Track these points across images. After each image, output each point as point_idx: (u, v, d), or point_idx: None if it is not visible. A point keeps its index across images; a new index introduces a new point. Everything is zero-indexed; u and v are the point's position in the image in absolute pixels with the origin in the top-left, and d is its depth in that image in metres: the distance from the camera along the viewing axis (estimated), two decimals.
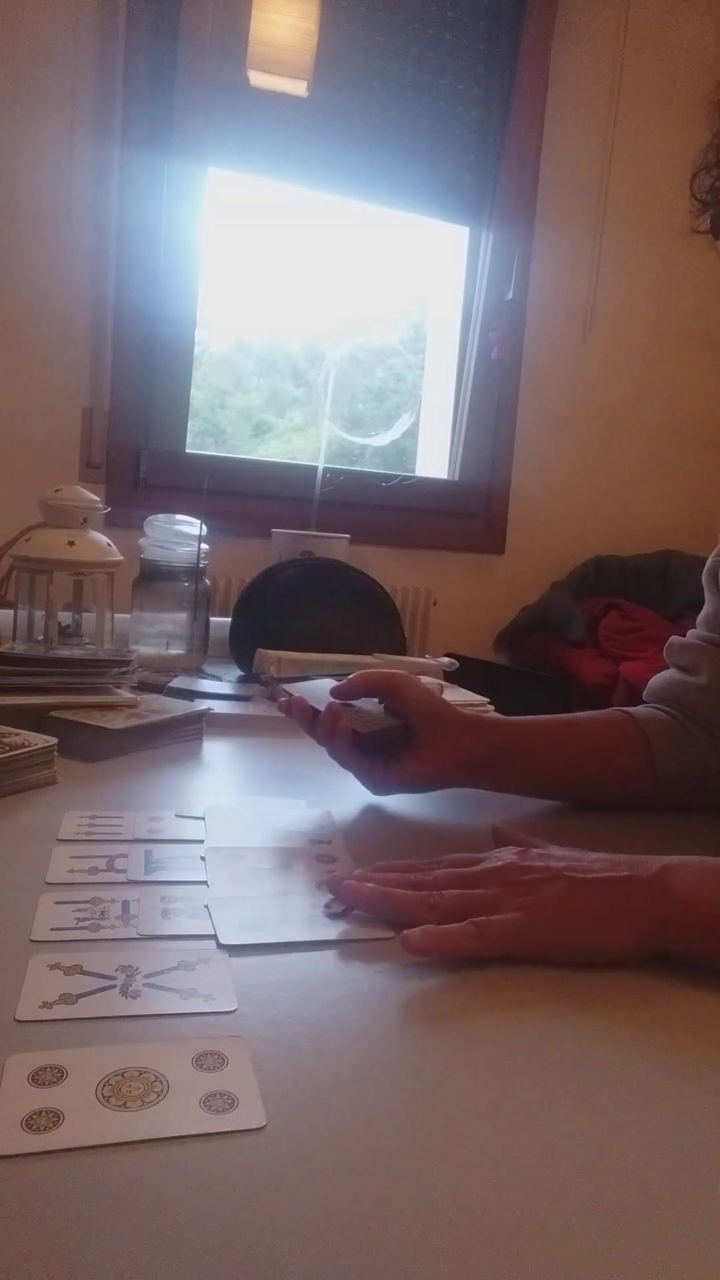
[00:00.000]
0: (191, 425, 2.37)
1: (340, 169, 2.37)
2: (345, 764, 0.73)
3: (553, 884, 0.50)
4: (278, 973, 0.46)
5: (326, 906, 0.53)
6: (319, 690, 0.76)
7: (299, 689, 0.77)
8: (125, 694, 0.94)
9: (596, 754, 0.77)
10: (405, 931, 0.47)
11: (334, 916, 0.52)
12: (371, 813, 0.73)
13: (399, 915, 0.50)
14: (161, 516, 1.26)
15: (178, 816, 0.67)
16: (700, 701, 0.80)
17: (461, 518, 2.66)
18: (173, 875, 0.57)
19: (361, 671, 0.74)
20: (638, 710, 0.81)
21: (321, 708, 0.72)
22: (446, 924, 0.48)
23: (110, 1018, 0.41)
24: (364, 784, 0.74)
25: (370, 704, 0.74)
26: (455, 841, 0.69)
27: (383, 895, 0.51)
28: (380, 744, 0.72)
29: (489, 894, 0.50)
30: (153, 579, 1.22)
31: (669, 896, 0.49)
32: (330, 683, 0.75)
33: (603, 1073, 0.40)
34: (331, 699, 0.73)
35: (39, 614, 1.11)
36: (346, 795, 0.74)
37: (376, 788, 0.74)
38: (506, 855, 0.54)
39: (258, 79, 2.23)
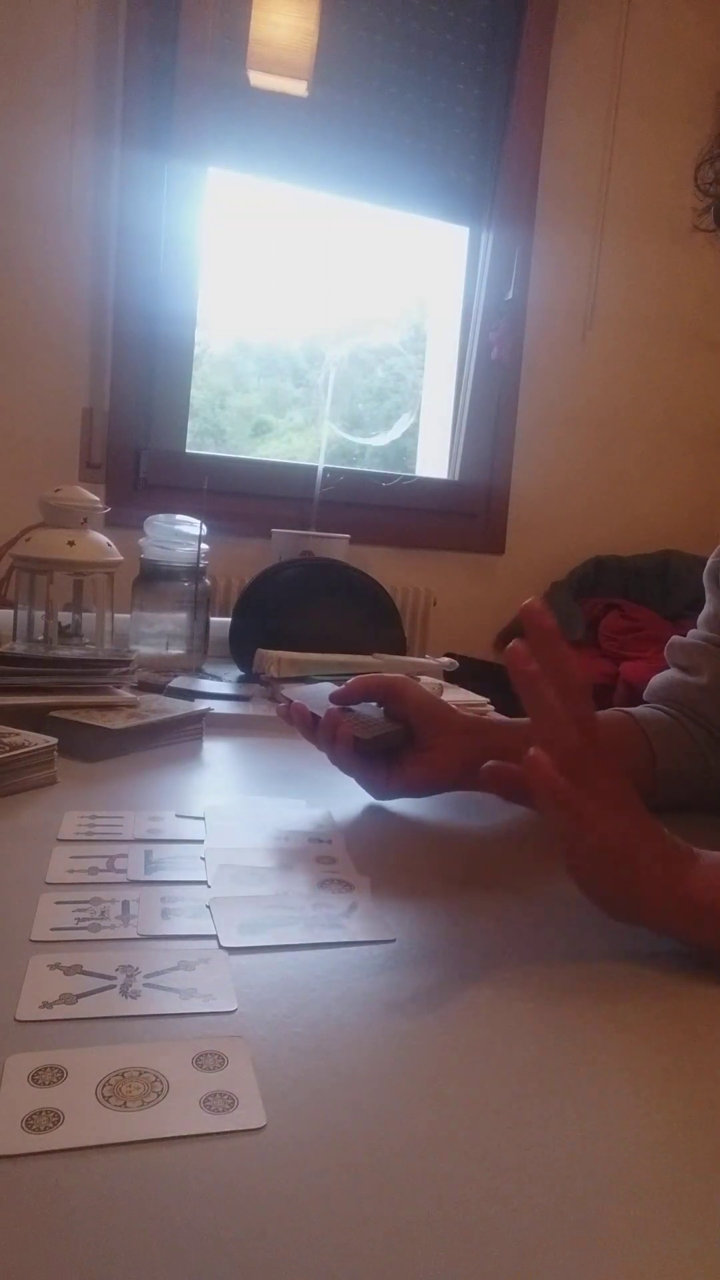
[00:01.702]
0: (191, 425, 2.37)
1: (340, 169, 2.37)
2: (347, 770, 0.73)
3: (624, 810, 0.51)
4: (278, 973, 0.46)
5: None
6: (319, 695, 0.75)
7: (298, 694, 0.77)
8: (125, 694, 0.94)
9: None
10: (535, 753, 0.47)
11: (341, 926, 0.52)
12: (372, 813, 0.73)
13: (536, 710, 0.50)
14: (161, 516, 1.26)
15: (178, 816, 0.67)
16: (701, 702, 0.80)
17: (461, 518, 2.66)
18: (173, 875, 0.56)
19: (360, 676, 0.74)
20: (638, 710, 0.81)
21: (321, 713, 0.72)
22: (554, 750, 0.48)
23: (110, 1018, 0.40)
24: (366, 789, 0.74)
25: (370, 709, 0.74)
26: (457, 843, 0.69)
27: (540, 684, 0.50)
28: (381, 749, 0.72)
29: (594, 763, 0.50)
30: (153, 579, 1.22)
31: (695, 880, 0.50)
32: (330, 687, 0.75)
33: (604, 1072, 0.40)
34: (331, 705, 0.73)
35: (39, 614, 1.11)
36: (347, 796, 0.74)
37: (379, 793, 0.74)
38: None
39: (258, 79, 2.23)
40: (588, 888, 0.51)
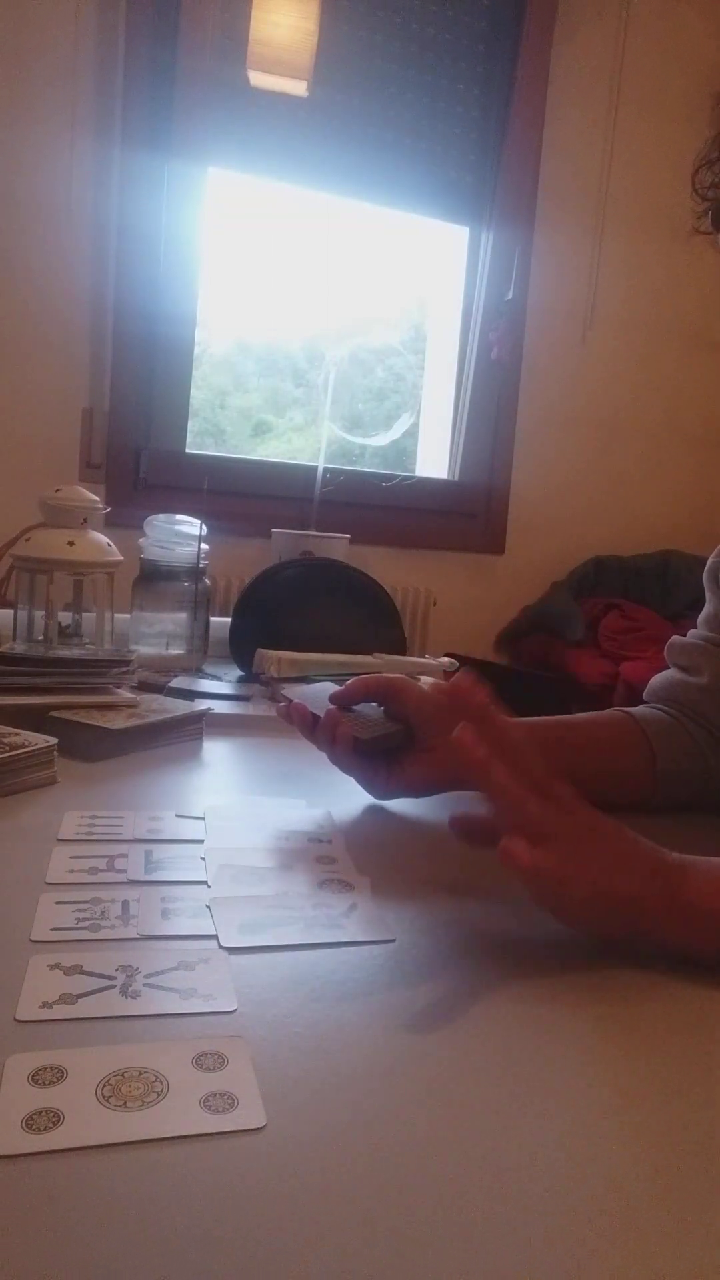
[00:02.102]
0: (191, 425, 2.37)
1: (340, 169, 2.37)
2: (347, 770, 0.73)
3: (604, 844, 0.51)
4: (278, 973, 0.46)
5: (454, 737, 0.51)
6: (319, 695, 0.75)
7: (298, 694, 0.77)
8: (125, 694, 0.94)
9: (597, 754, 0.77)
10: (509, 842, 0.47)
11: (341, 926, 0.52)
12: (372, 813, 0.73)
13: (494, 793, 0.50)
14: (161, 516, 1.26)
15: (178, 816, 0.67)
16: (701, 702, 0.80)
17: (461, 518, 2.66)
18: (173, 875, 0.57)
19: (360, 676, 0.74)
20: (638, 710, 0.81)
21: (321, 713, 0.72)
22: (524, 828, 0.48)
23: (110, 1018, 0.41)
24: (366, 789, 0.74)
25: (370, 709, 0.74)
26: (457, 843, 0.68)
27: (491, 766, 0.50)
28: (381, 750, 0.72)
29: (564, 821, 0.50)
30: (153, 579, 1.22)
31: (684, 890, 0.50)
32: (330, 687, 0.75)
33: (604, 1072, 0.40)
34: (331, 705, 0.73)
35: (39, 614, 1.11)
36: (347, 796, 0.74)
37: (379, 793, 0.74)
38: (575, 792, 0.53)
39: (258, 79, 2.23)
40: (589, 930, 0.51)
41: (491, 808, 0.51)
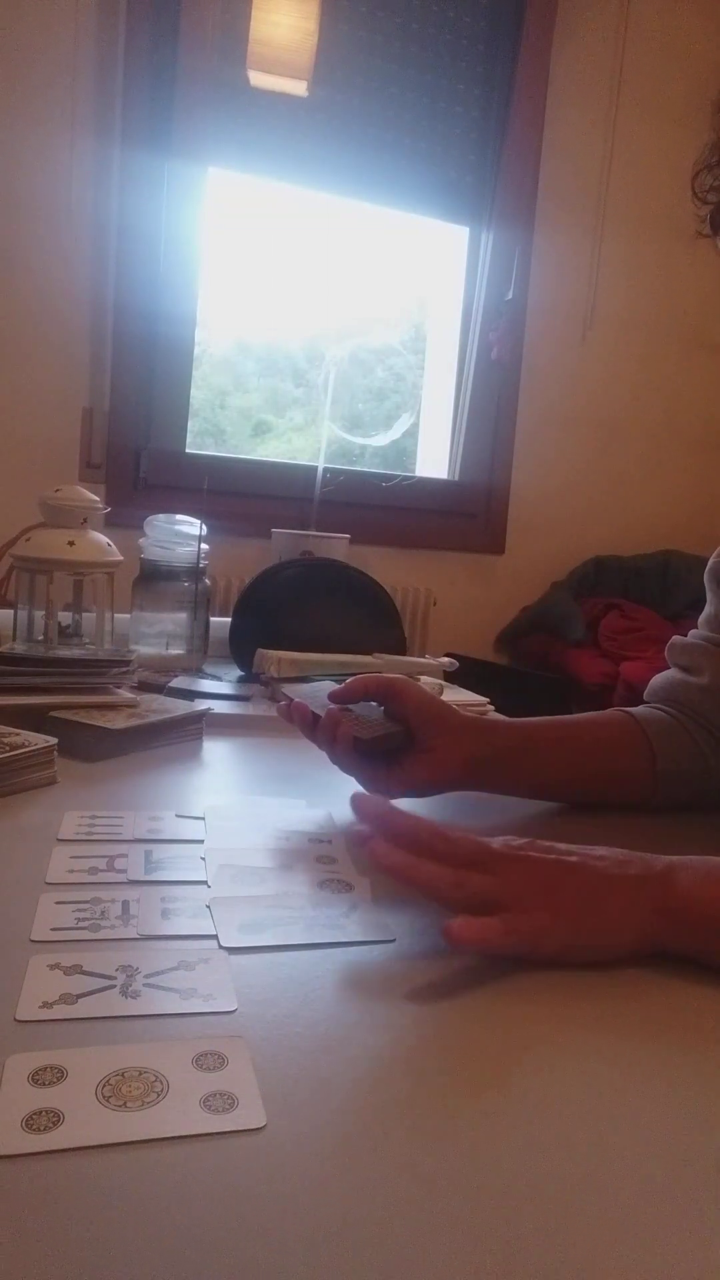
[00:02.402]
0: (191, 425, 2.37)
1: (340, 169, 2.37)
2: (347, 769, 0.73)
3: (569, 878, 0.50)
4: (278, 973, 0.46)
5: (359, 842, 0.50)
6: (319, 694, 0.75)
7: (299, 693, 0.77)
8: (125, 694, 0.94)
9: (598, 755, 0.77)
10: (448, 923, 0.46)
11: (339, 926, 0.52)
12: None
13: (425, 890, 0.49)
14: (161, 516, 1.26)
15: (178, 816, 0.67)
16: (701, 702, 0.80)
17: (461, 518, 2.66)
18: (173, 875, 0.56)
19: (360, 676, 0.74)
20: (639, 710, 0.81)
21: (322, 713, 0.72)
22: (473, 909, 0.48)
23: (110, 1018, 0.40)
24: (366, 789, 0.74)
25: (370, 709, 0.74)
26: None
27: (412, 866, 0.50)
28: (381, 750, 0.72)
29: (509, 883, 0.50)
30: (153, 579, 1.22)
31: (675, 894, 0.50)
32: (330, 686, 0.75)
33: (604, 1072, 0.40)
34: (330, 704, 0.73)
35: (39, 614, 1.11)
36: (347, 796, 0.74)
37: (380, 792, 0.74)
38: (516, 843, 0.53)
39: (258, 79, 2.23)
40: (598, 960, 0.50)
41: (441, 901, 0.50)
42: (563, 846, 0.54)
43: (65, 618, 1.16)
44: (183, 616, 1.21)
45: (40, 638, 1.11)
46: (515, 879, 0.50)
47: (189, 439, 2.36)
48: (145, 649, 1.20)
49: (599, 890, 0.50)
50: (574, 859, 0.52)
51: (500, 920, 0.47)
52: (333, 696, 0.73)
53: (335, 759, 0.73)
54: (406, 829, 0.53)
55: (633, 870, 0.51)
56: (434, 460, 2.70)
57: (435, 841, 0.52)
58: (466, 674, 1.34)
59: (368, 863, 0.51)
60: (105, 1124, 0.33)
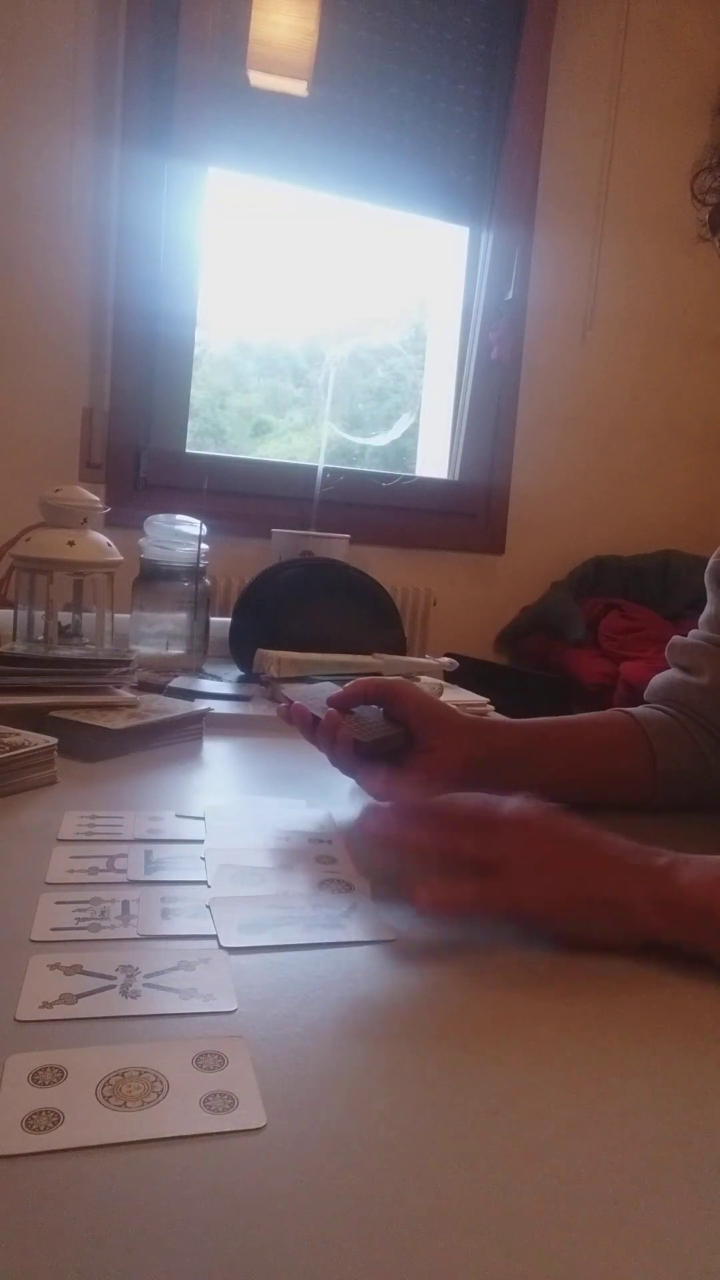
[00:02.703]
0: (191, 425, 2.37)
1: (340, 169, 2.37)
2: (347, 771, 0.73)
3: (570, 852, 0.51)
4: (278, 973, 0.46)
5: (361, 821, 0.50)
6: (319, 696, 0.75)
7: (299, 694, 0.77)
8: (125, 694, 0.94)
9: (598, 755, 0.77)
10: (415, 888, 0.47)
11: (339, 926, 0.52)
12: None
13: (414, 851, 0.50)
14: (161, 516, 1.26)
15: (178, 816, 0.67)
16: (701, 702, 0.80)
17: (461, 518, 2.66)
18: (173, 875, 0.56)
19: (359, 680, 0.74)
20: (638, 710, 0.81)
21: (322, 715, 0.72)
22: (458, 872, 0.48)
23: (110, 1018, 0.40)
24: (367, 790, 0.74)
25: (370, 711, 0.74)
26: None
27: (402, 831, 0.51)
28: (381, 752, 0.72)
29: (507, 847, 0.50)
30: (153, 579, 1.22)
31: (676, 887, 0.50)
32: (330, 687, 0.75)
33: (604, 1072, 0.40)
34: (329, 708, 0.73)
35: (39, 614, 1.11)
36: (347, 796, 0.75)
37: (379, 794, 0.74)
38: (531, 806, 0.53)
39: (258, 79, 2.23)
40: (583, 939, 0.51)
41: (440, 868, 0.50)
42: (578, 822, 0.54)
43: (65, 618, 1.16)
44: (183, 616, 1.21)
45: (40, 638, 1.11)
46: (512, 844, 0.50)
47: (189, 439, 2.36)
48: (145, 649, 1.20)
49: (595, 868, 0.51)
50: (582, 832, 0.52)
51: (477, 888, 0.48)
52: (332, 701, 0.73)
53: (335, 761, 0.73)
54: (402, 801, 0.54)
55: (635, 860, 0.52)
56: (434, 460, 2.70)
57: (433, 808, 0.53)
58: (466, 674, 1.34)
59: (362, 841, 0.51)
60: (105, 1124, 0.33)
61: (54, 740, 0.73)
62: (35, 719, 0.82)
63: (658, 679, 0.85)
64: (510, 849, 0.50)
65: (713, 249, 0.77)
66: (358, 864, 0.61)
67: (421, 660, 1.26)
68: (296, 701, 0.75)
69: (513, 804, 0.53)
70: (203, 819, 0.67)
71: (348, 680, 0.75)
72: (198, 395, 2.43)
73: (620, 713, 0.81)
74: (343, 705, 0.73)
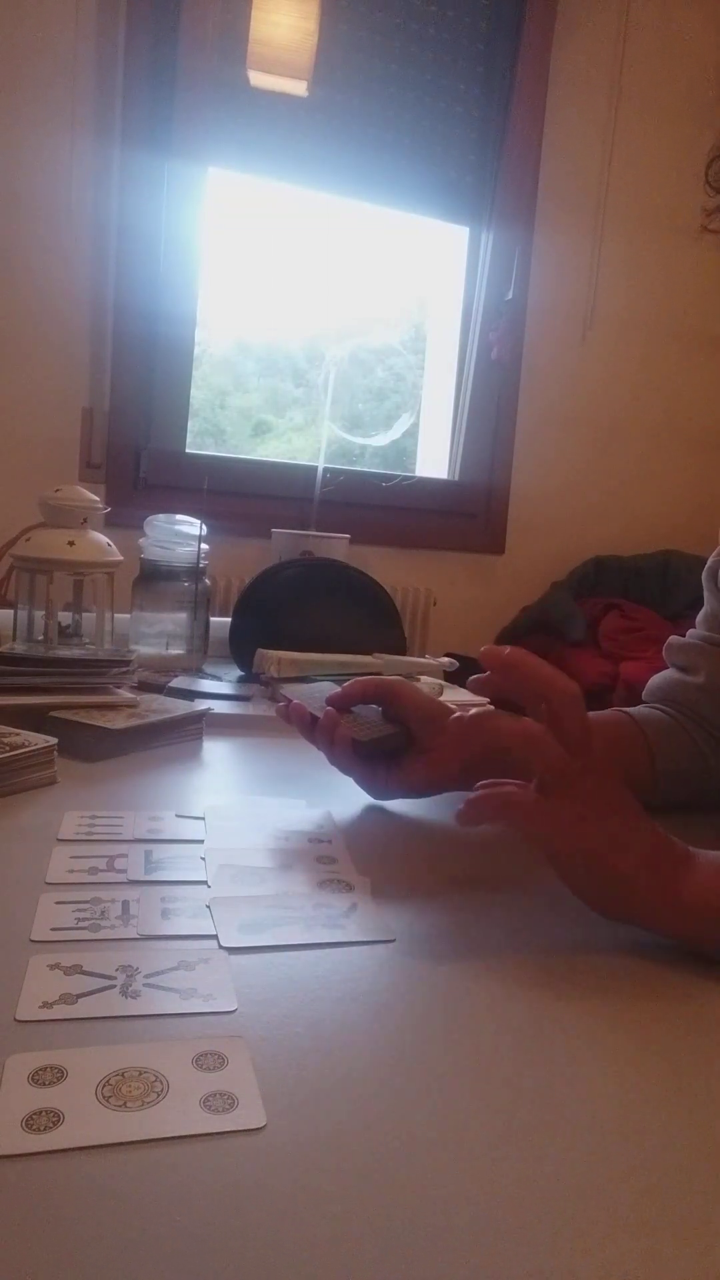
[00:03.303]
0: (191, 425, 2.37)
1: (340, 169, 2.37)
2: (346, 770, 0.73)
3: (630, 811, 0.52)
4: (278, 973, 0.46)
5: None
6: (318, 695, 0.75)
7: (298, 694, 0.77)
8: (125, 694, 0.94)
9: None
10: (477, 795, 0.49)
11: (339, 925, 0.52)
12: (372, 813, 0.73)
13: (516, 735, 0.51)
14: (161, 516, 1.26)
15: (178, 816, 0.67)
16: (699, 701, 0.80)
17: (461, 518, 2.66)
18: (173, 875, 0.56)
19: (357, 680, 0.74)
20: (637, 710, 0.81)
21: (320, 714, 0.72)
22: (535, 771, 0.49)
23: (110, 1018, 0.40)
24: (366, 790, 0.74)
25: (369, 710, 0.74)
26: (457, 843, 0.69)
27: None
28: (380, 751, 0.72)
29: (578, 777, 0.51)
30: (153, 579, 1.22)
31: (691, 878, 0.50)
32: (330, 687, 0.75)
33: (605, 1071, 0.40)
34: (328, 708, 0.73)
35: (39, 614, 1.11)
36: (347, 796, 0.74)
37: (378, 793, 0.74)
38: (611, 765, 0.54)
39: (258, 79, 2.23)
40: (575, 889, 0.52)
41: (517, 741, 0.51)
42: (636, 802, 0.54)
43: (65, 618, 1.16)
44: (183, 616, 1.21)
45: (40, 638, 1.11)
46: (583, 775, 0.51)
47: (189, 439, 2.36)
48: (145, 649, 1.20)
49: (629, 833, 0.51)
50: (637, 807, 0.52)
51: (534, 799, 0.49)
52: (330, 700, 0.73)
53: (334, 760, 0.73)
54: (536, 675, 0.53)
55: (660, 837, 0.52)
56: (434, 460, 2.70)
57: (553, 696, 0.52)
58: (466, 674, 1.33)
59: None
60: (105, 1124, 0.33)
61: (54, 740, 0.73)
62: (35, 719, 0.82)
63: (656, 679, 0.85)
64: (576, 785, 0.50)
65: (711, 246, 0.77)
66: (358, 864, 0.61)
67: (421, 660, 1.26)
68: (295, 701, 0.75)
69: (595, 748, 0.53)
70: (203, 819, 0.67)
71: (347, 680, 0.75)
72: (198, 395, 2.43)
73: (619, 712, 0.81)
74: (341, 704, 0.73)
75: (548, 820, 0.50)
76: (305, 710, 0.74)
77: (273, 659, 1.10)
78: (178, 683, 1.07)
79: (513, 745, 0.52)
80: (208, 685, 1.09)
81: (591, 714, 0.80)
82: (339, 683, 0.75)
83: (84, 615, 1.18)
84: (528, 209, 2.57)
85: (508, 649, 0.53)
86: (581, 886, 0.52)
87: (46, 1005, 0.41)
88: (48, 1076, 0.36)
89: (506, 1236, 0.30)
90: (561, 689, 0.52)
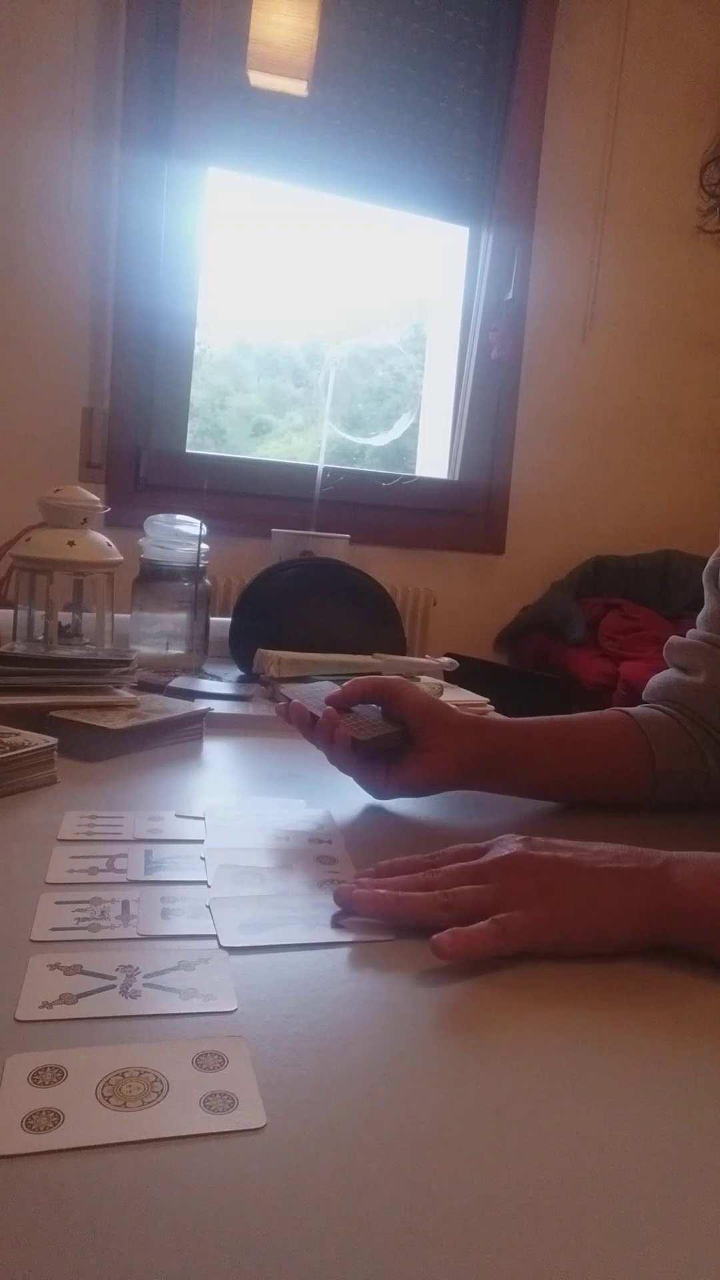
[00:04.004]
0: (191, 425, 2.37)
1: (340, 169, 2.37)
2: (345, 770, 0.73)
3: (564, 874, 0.51)
4: (278, 973, 0.46)
5: (335, 919, 0.52)
6: (318, 694, 0.75)
7: (298, 693, 0.77)
8: (125, 694, 0.94)
9: (596, 754, 0.77)
10: (433, 937, 0.46)
11: (339, 926, 0.52)
12: (371, 813, 0.73)
13: (416, 921, 0.50)
14: (161, 516, 1.26)
15: (178, 816, 0.67)
16: (699, 701, 0.80)
17: (461, 518, 2.66)
18: (173, 875, 0.56)
19: (357, 679, 0.74)
20: (637, 710, 0.81)
21: (320, 713, 0.72)
22: (466, 923, 0.48)
23: (110, 1018, 0.40)
24: (365, 789, 0.74)
25: (368, 710, 0.74)
26: (456, 842, 0.69)
27: (396, 901, 0.51)
28: (379, 750, 0.72)
29: (504, 888, 0.50)
30: (153, 579, 1.22)
31: (672, 889, 0.50)
32: (329, 686, 0.75)
33: (605, 1071, 0.40)
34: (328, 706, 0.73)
35: (39, 614, 1.11)
36: (347, 796, 0.74)
37: (378, 793, 0.74)
38: (512, 844, 0.54)
39: (258, 79, 2.23)
40: (599, 951, 0.50)
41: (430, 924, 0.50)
42: (559, 843, 0.54)
43: (65, 618, 1.16)
44: (183, 616, 1.21)
45: (40, 638, 1.11)
46: (508, 882, 0.51)
47: (189, 439, 2.36)
48: (145, 649, 1.20)
49: (595, 885, 0.51)
50: (569, 855, 0.52)
51: (491, 924, 0.48)
52: (330, 700, 0.73)
53: (334, 760, 0.73)
54: (385, 868, 0.55)
55: (629, 864, 0.52)
56: (434, 460, 2.70)
57: (415, 869, 0.54)
58: (466, 674, 1.34)
59: (357, 908, 0.52)
60: (105, 1124, 0.33)
61: (54, 740, 0.73)
62: (35, 719, 0.82)
63: (656, 679, 0.85)
64: (507, 889, 0.50)
65: (711, 246, 0.77)
66: (358, 864, 0.61)
67: (421, 660, 1.26)
68: (295, 700, 0.75)
69: (495, 845, 0.54)
70: (203, 819, 0.67)
71: (347, 680, 0.75)
72: (198, 395, 2.43)
73: (618, 712, 0.81)
74: (341, 704, 0.73)
75: (518, 937, 0.48)
76: (305, 710, 0.74)
77: (273, 659, 1.10)
78: (178, 683, 1.07)
79: (428, 926, 0.50)
80: (208, 685, 1.09)
81: (591, 714, 0.81)
82: (339, 682, 0.75)
83: (84, 615, 1.18)
84: (528, 209, 2.57)
85: (363, 898, 0.52)
86: (585, 949, 0.50)
87: (46, 1005, 0.41)
88: (48, 1076, 0.36)
89: (506, 1236, 0.30)
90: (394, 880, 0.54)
